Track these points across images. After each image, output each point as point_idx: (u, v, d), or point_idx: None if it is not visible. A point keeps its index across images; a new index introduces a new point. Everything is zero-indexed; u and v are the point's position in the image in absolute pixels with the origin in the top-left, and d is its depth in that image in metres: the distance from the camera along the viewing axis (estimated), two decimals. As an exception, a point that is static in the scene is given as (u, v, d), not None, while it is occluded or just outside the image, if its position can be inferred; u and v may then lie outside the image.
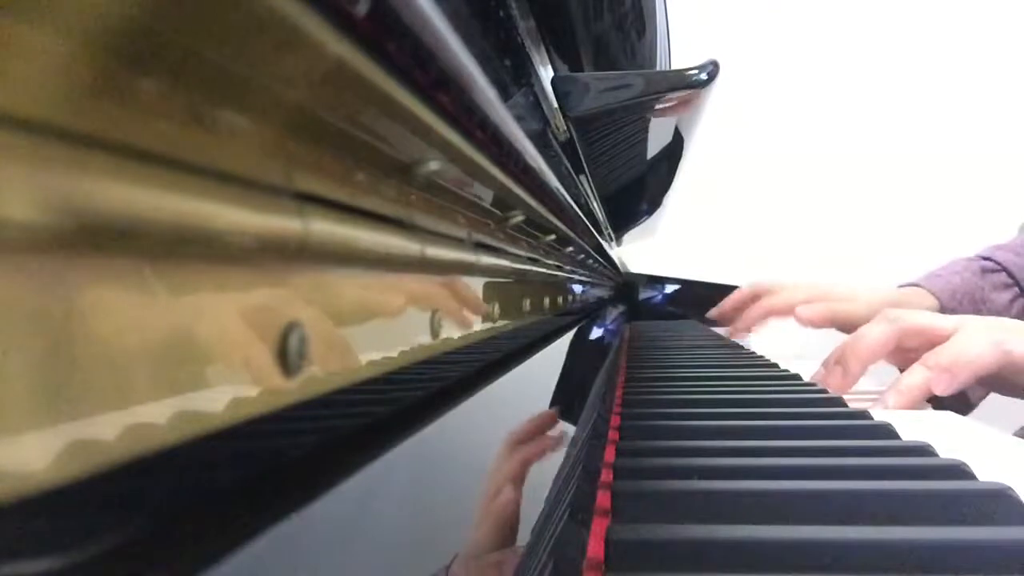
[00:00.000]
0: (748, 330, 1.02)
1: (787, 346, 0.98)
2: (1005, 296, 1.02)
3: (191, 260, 0.11)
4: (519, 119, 0.27)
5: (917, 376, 0.60)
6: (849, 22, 1.95)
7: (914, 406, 0.60)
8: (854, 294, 0.96)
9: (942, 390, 0.60)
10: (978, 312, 0.99)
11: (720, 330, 1.20)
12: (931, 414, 0.61)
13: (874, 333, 0.66)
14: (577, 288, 0.72)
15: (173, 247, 0.10)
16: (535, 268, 0.41)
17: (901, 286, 1.06)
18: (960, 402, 0.85)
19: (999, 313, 1.01)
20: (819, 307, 0.92)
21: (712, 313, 1.09)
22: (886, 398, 0.60)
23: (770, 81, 1.97)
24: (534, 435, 0.32)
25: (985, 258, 1.05)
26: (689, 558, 0.26)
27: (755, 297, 1.03)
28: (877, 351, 0.66)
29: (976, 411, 0.86)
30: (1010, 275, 1.03)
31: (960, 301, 1.00)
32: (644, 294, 1.53)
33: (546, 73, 0.57)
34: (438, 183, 0.21)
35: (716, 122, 1.08)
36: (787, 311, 0.97)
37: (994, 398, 0.84)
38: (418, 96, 0.15)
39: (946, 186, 1.93)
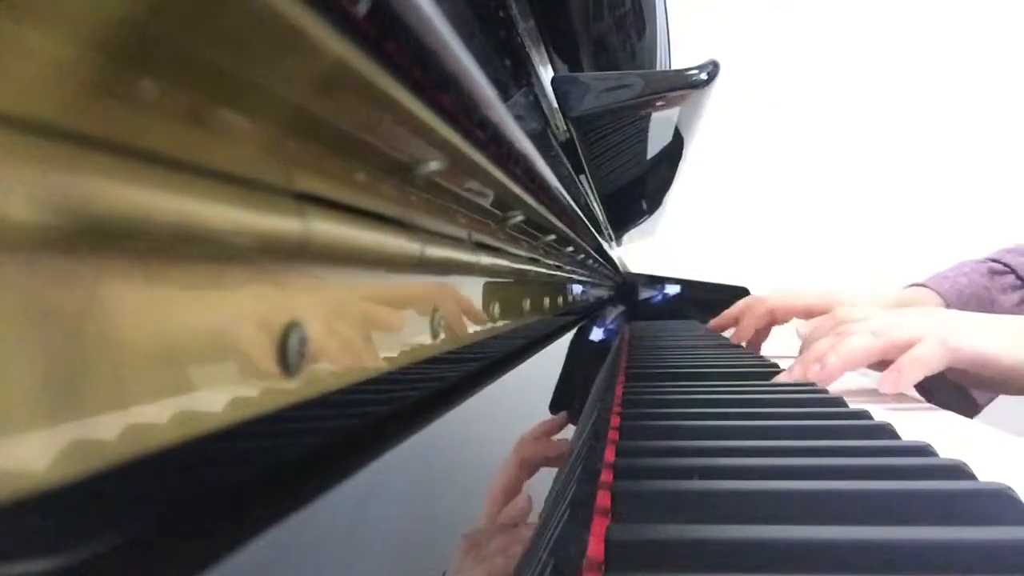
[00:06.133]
0: (749, 335, 1.02)
1: (788, 347, 0.98)
2: (1013, 298, 1.02)
3: (191, 260, 0.11)
4: (519, 119, 0.27)
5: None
6: (852, 20, 1.95)
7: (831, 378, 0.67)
8: (854, 301, 0.96)
9: (889, 388, 0.64)
10: (985, 313, 0.99)
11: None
12: (931, 414, 0.61)
13: (863, 343, 0.68)
14: (577, 288, 0.72)
15: (173, 247, 0.10)
16: (535, 268, 0.41)
17: (908, 287, 1.06)
18: (967, 405, 0.85)
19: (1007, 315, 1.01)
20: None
21: (713, 324, 1.10)
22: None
23: (771, 81, 1.97)
24: (540, 437, 0.32)
25: (994, 260, 1.05)
26: (689, 558, 0.26)
27: (754, 306, 1.04)
28: (859, 360, 0.68)
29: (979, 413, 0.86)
30: (1018, 277, 1.03)
31: (967, 302, 1.00)
32: (644, 294, 1.53)
33: (546, 73, 0.57)
34: (438, 183, 0.21)
35: (716, 122, 1.08)
36: (785, 318, 0.98)
37: (1000, 400, 0.84)
38: (418, 96, 0.15)
39: (950, 187, 1.93)
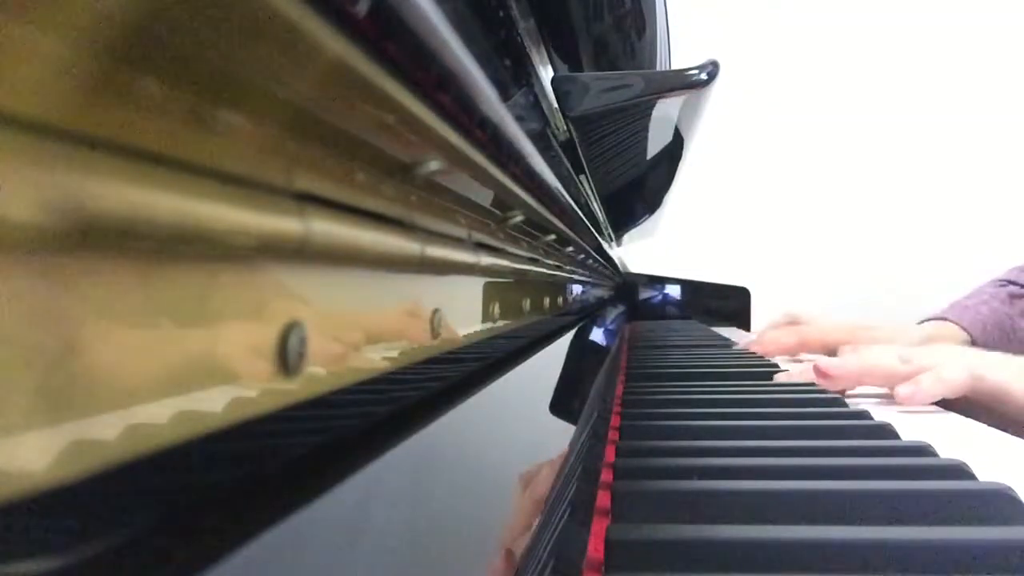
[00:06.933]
0: (774, 351, 0.99)
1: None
2: None
3: (191, 260, 0.11)
4: (519, 119, 0.27)
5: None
6: (852, 20, 1.95)
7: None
8: (888, 336, 0.95)
9: (905, 398, 0.63)
10: (1008, 341, 0.99)
11: (721, 330, 1.20)
12: (931, 415, 0.61)
13: (887, 361, 0.68)
14: (577, 288, 0.72)
15: (173, 247, 0.10)
16: (535, 268, 0.41)
17: (928, 320, 1.05)
18: None
19: None
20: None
21: (747, 343, 1.08)
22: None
23: (771, 81, 1.97)
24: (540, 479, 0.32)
25: (1011, 282, 1.05)
26: (689, 558, 0.26)
27: (789, 321, 1.02)
28: (879, 376, 0.68)
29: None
30: None
31: (990, 333, 0.99)
32: (644, 294, 1.53)
33: (546, 73, 0.57)
34: (438, 183, 0.21)
35: (716, 122, 1.08)
36: (811, 349, 0.96)
37: None
38: (418, 96, 0.15)
39: (949, 187, 1.93)
